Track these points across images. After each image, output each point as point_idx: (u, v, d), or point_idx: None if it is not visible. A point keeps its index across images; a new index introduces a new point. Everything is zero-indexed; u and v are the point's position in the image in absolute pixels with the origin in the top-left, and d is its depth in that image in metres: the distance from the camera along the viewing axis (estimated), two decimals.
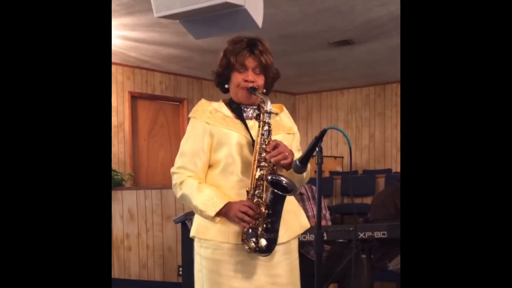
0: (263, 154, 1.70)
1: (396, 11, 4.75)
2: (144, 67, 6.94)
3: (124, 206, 5.20)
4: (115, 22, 5.03)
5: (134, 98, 6.96)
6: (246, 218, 1.66)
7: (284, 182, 1.68)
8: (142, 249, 5.14)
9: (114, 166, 6.15)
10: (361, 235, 2.88)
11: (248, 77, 1.76)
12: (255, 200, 1.69)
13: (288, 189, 1.68)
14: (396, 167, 8.23)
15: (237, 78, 1.77)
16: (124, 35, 5.48)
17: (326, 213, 3.47)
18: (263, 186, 1.70)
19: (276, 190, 1.66)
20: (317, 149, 1.66)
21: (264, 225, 1.68)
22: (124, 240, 5.23)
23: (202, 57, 6.48)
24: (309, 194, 3.30)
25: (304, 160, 1.68)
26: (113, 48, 5.80)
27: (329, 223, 3.45)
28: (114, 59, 6.36)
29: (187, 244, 3.34)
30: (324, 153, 1.69)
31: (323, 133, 1.66)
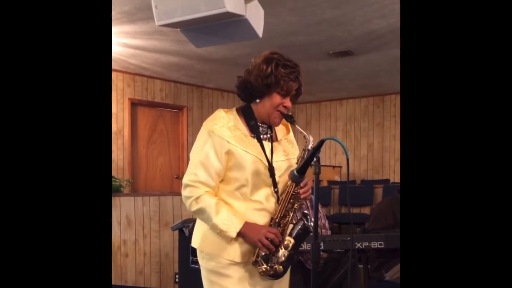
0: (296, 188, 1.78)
1: (396, 23, 4.78)
2: (145, 74, 6.96)
3: (122, 212, 5.20)
4: (117, 29, 5.05)
5: (134, 105, 6.97)
6: (271, 246, 1.72)
7: (310, 221, 1.77)
8: (139, 255, 5.13)
9: (112, 172, 6.14)
10: (358, 245, 2.88)
11: (287, 103, 1.77)
12: (278, 228, 1.76)
13: (309, 230, 1.78)
14: (394, 178, 8.23)
15: (277, 100, 1.76)
16: (125, 42, 5.50)
17: (325, 222, 3.47)
18: (289, 217, 1.78)
19: (306, 224, 1.75)
20: (315, 159, 1.68)
21: (287, 254, 1.76)
22: (121, 247, 5.21)
23: (202, 65, 6.51)
24: (308, 204, 3.29)
25: (302, 169, 1.70)
26: (114, 55, 5.83)
27: (329, 232, 3.45)
28: (114, 66, 6.38)
29: (184, 251, 3.33)
30: (323, 163, 1.71)
31: (321, 143, 1.67)
